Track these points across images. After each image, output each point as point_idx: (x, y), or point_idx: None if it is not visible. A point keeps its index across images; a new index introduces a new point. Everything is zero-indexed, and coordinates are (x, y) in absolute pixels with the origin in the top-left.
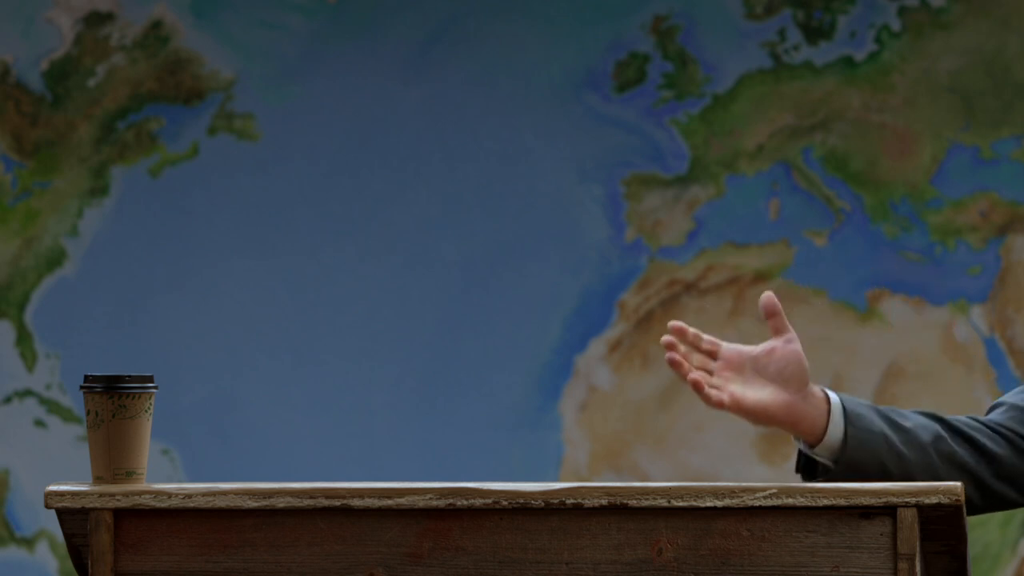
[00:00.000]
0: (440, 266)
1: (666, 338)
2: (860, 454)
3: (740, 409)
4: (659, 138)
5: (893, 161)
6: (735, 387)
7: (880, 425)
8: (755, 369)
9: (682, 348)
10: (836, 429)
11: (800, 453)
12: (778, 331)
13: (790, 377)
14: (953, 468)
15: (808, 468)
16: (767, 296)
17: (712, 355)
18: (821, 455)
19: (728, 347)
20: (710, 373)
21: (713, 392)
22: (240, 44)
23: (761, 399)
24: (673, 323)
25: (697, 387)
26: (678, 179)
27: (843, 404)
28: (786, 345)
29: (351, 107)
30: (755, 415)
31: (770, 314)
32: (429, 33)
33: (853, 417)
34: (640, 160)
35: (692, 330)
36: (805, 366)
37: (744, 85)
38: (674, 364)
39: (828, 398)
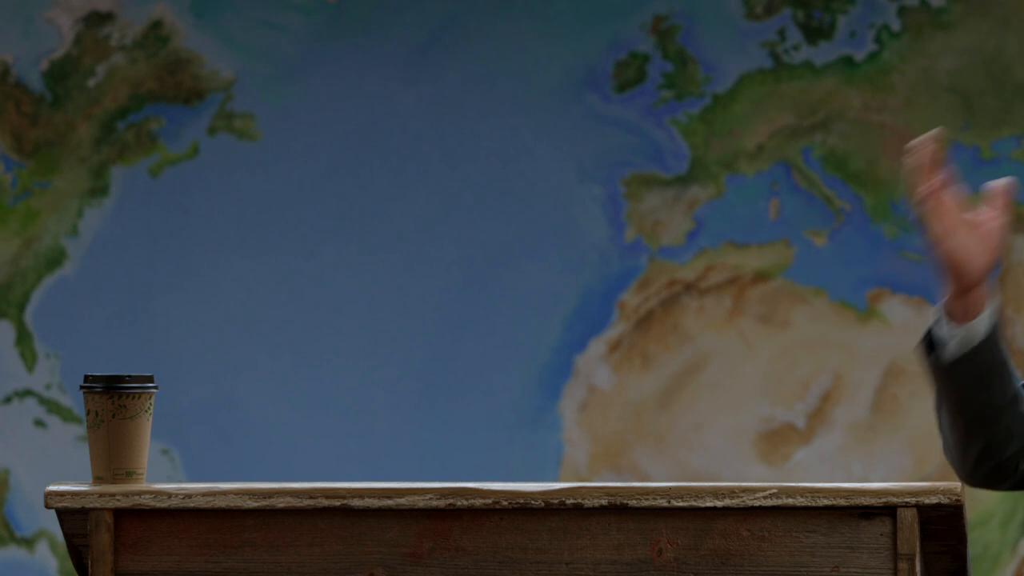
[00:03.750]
0: (440, 266)
1: (917, 152)
2: (989, 355)
3: (945, 242)
4: (659, 138)
5: (893, 161)
6: (949, 220)
7: (1007, 352)
8: (965, 224)
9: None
10: (985, 319)
11: (929, 332)
12: (998, 211)
13: (990, 251)
14: None
15: (931, 348)
16: (1005, 181)
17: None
18: (956, 336)
19: (952, 192)
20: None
21: (940, 202)
22: (240, 44)
23: (965, 245)
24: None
25: (932, 194)
26: (678, 179)
27: (997, 313)
28: (1000, 226)
29: (351, 107)
30: (953, 256)
31: (1001, 193)
32: (429, 33)
33: (999, 324)
34: (640, 160)
35: (936, 158)
36: (1001, 249)
37: (744, 85)
38: (921, 169)
39: (992, 298)
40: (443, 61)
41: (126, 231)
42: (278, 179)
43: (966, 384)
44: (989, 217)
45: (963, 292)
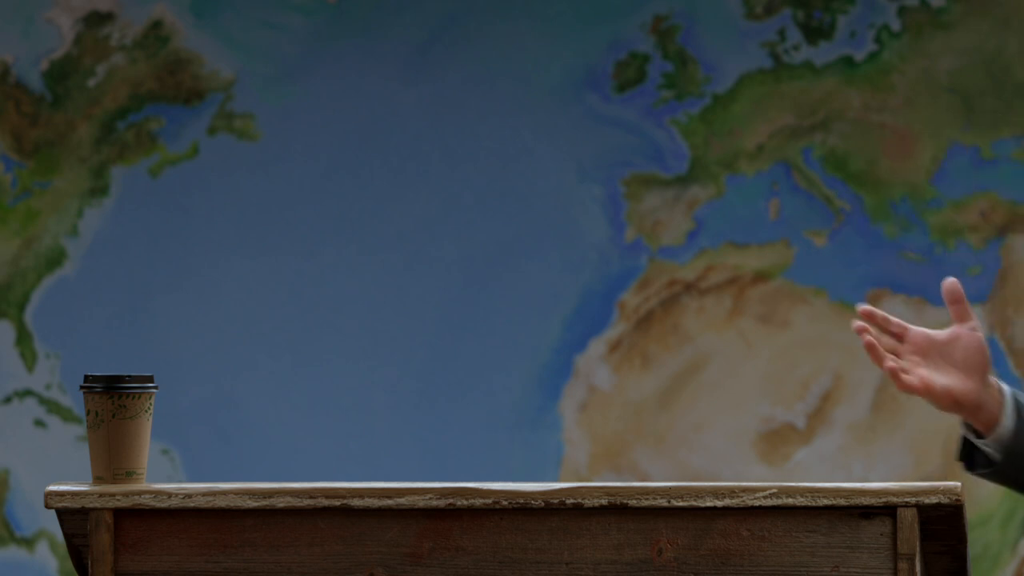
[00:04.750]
0: (440, 266)
1: (857, 324)
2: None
3: (930, 393)
4: (659, 138)
5: (893, 161)
6: (923, 371)
7: None
8: (940, 354)
9: (872, 331)
10: (1008, 421)
11: (964, 442)
12: (961, 318)
13: (975, 365)
14: None
15: (971, 459)
16: (950, 282)
17: (899, 338)
18: (990, 445)
19: (915, 330)
20: (898, 356)
21: (906, 377)
22: (240, 44)
23: (948, 384)
24: (862, 307)
25: (894, 375)
26: (678, 179)
27: (1015, 398)
28: (971, 333)
29: (351, 107)
30: (942, 399)
31: (953, 301)
32: (429, 33)
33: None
34: (640, 160)
35: (880, 313)
36: (988, 355)
37: (744, 85)
38: (870, 348)
39: (1001, 390)
40: (443, 61)
41: (126, 231)
42: (278, 179)
43: (1015, 477)
44: (959, 330)
45: (972, 412)
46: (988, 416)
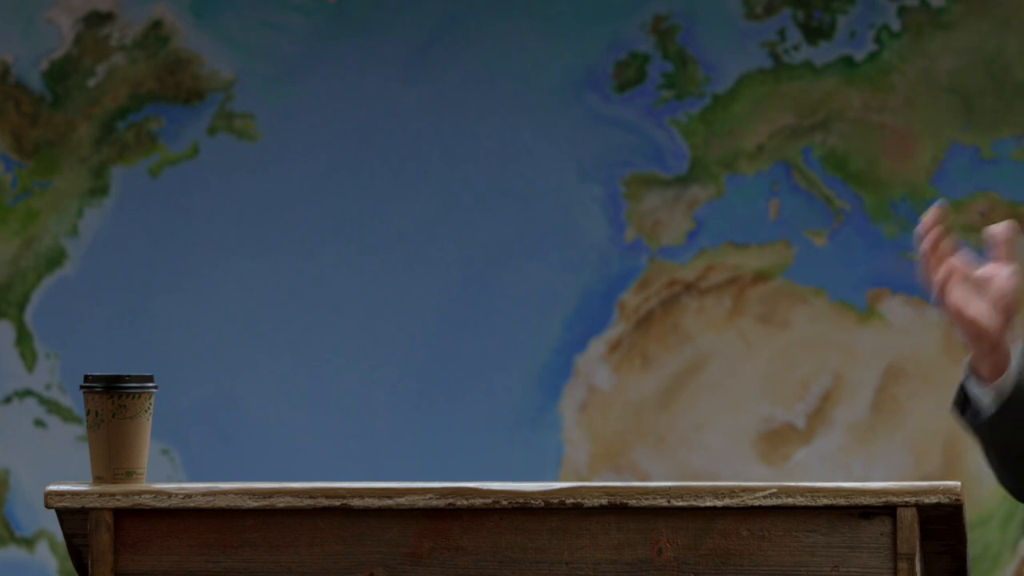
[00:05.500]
0: (440, 266)
1: (925, 224)
2: (1022, 404)
3: (960, 317)
4: (659, 138)
5: (893, 161)
6: (960, 293)
7: None
8: (975, 286)
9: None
10: (1014, 371)
11: (962, 389)
12: (1004, 260)
13: (1002, 308)
14: None
15: (965, 407)
16: (1004, 225)
17: (944, 256)
18: (989, 394)
19: (959, 255)
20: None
21: (951, 295)
22: (240, 44)
23: (980, 313)
24: (933, 212)
25: (941, 289)
26: (678, 179)
27: (1022, 356)
28: (1007, 277)
29: (351, 107)
30: (969, 326)
31: (1002, 241)
32: (429, 33)
33: None
34: (640, 160)
35: (940, 225)
36: (1017, 304)
37: (744, 85)
38: (931, 250)
39: (1013, 344)
40: (443, 61)
41: (126, 231)
42: (278, 179)
43: (1007, 436)
44: (997, 270)
45: (987, 352)
46: (999, 361)
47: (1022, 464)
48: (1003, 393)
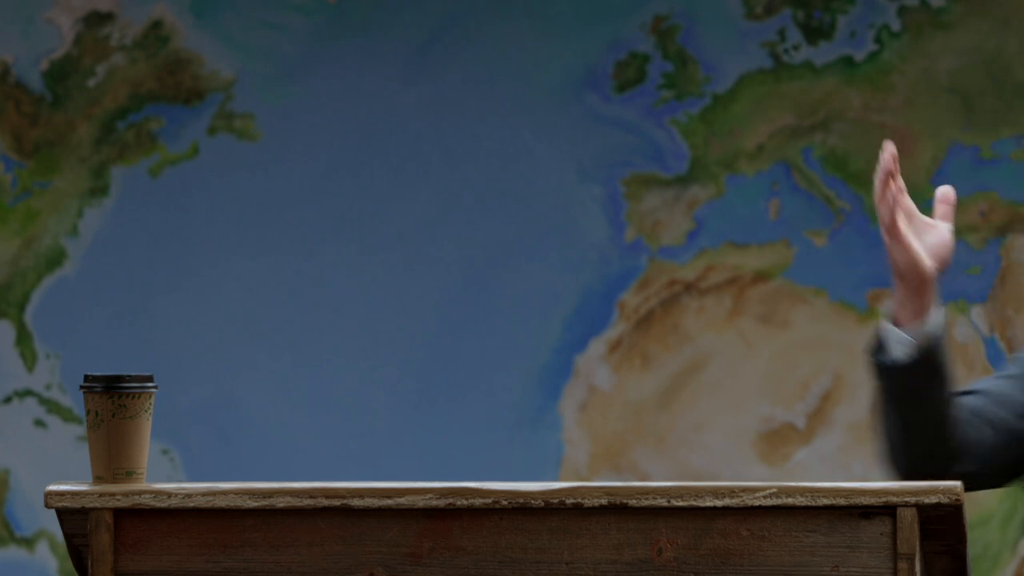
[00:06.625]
0: (440, 266)
1: (886, 159)
2: (938, 355)
3: (901, 244)
4: (659, 138)
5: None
6: (905, 226)
7: (950, 355)
8: (916, 229)
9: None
10: (937, 318)
11: (878, 334)
12: (944, 218)
13: (937, 256)
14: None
15: (881, 353)
16: (947, 188)
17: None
18: (905, 339)
19: (908, 197)
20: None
21: (899, 224)
22: (240, 44)
23: (919, 250)
24: (888, 153)
25: (891, 214)
26: (678, 179)
27: (945, 318)
28: (944, 232)
29: (351, 107)
30: (907, 258)
31: (945, 201)
32: (429, 33)
33: (945, 326)
34: (640, 160)
35: (894, 167)
36: (949, 259)
37: (744, 85)
38: (887, 177)
39: (939, 299)
40: (443, 61)
41: (126, 231)
42: (278, 179)
43: (915, 383)
44: (939, 223)
45: (913, 293)
46: (921, 307)
47: (919, 430)
48: (920, 339)
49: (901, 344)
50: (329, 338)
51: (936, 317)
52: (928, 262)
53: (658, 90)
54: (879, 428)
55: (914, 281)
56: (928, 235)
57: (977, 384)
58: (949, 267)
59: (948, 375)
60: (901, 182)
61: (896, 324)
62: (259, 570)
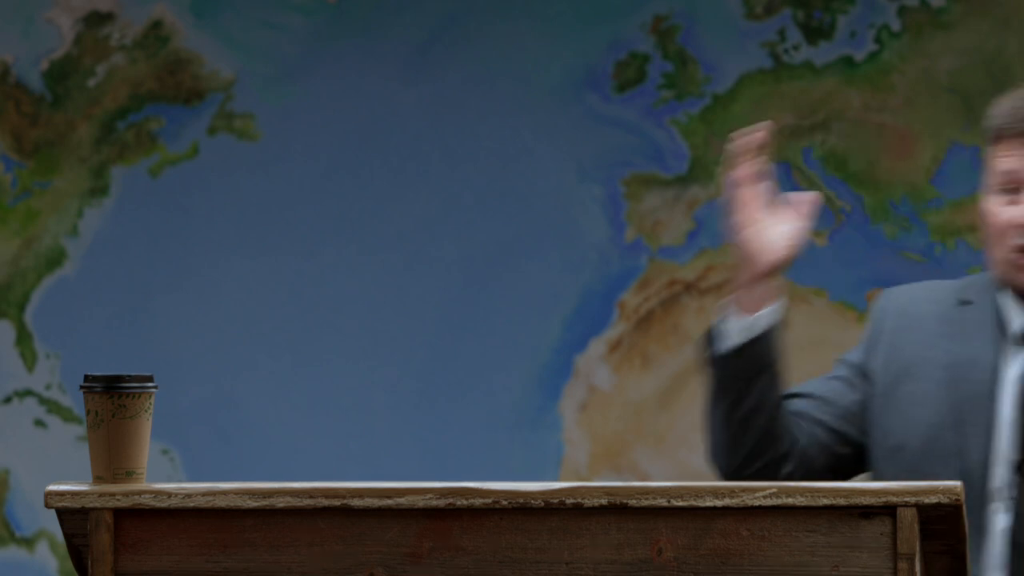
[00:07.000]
0: (440, 266)
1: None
2: (768, 349)
3: (744, 230)
4: (659, 138)
5: (893, 161)
6: (757, 208)
7: (782, 353)
8: (770, 214)
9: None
10: (768, 315)
11: (710, 328)
12: (801, 214)
13: (787, 247)
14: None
15: (710, 344)
16: (812, 195)
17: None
18: (735, 329)
19: (764, 184)
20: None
21: (747, 232)
22: (240, 44)
23: (762, 236)
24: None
25: (740, 225)
26: (678, 179)
27: (783, 315)
28: (802, 227)
29: (351, 107)
30: (749, 244)
31: (806, 203)
32: (429, 33)
33: (781, 322)
34: (640, 160)
35: (759, 145)
36: (795, 254)
37: (744, 85)
38: (739, 189)
39: (781, 296)
40: (443, 61)
41: (126, 231)
42: (278, 179)
43: (743, 375)
44: (791, 218)
45: (753, 283)
46: (761, 297)
47: (744, 427)
48: (752, 331)
49: (732, 334)
50: (329, 338)
51: (771, 310)
52: (771, 254)
53: (658, 90)
54: (705, 423)
55: (754, 271)
56: (777, 226)
57: (803, 387)
58: (789, 260)
59: (778, 371)
60: (765, 163)
61: (736, 312)
62: (259, 570)
